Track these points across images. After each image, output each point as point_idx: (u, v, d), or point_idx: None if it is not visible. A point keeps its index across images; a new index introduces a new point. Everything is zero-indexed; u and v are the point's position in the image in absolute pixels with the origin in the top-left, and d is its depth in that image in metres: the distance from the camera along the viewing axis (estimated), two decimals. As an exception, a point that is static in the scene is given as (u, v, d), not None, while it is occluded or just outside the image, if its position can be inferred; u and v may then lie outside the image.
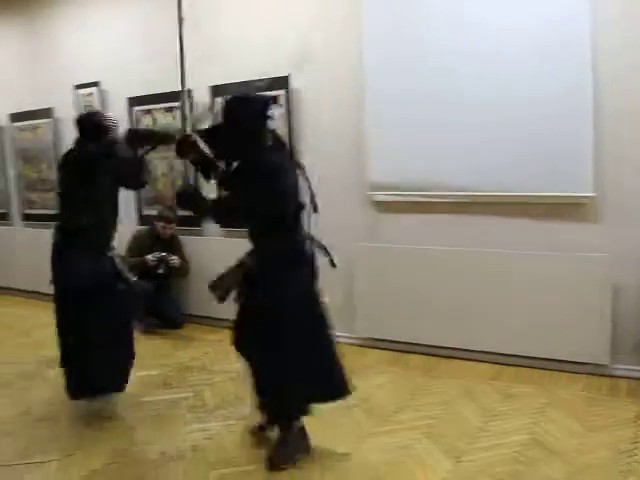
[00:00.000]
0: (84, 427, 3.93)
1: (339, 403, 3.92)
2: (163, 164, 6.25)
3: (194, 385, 4.57)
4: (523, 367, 4.53)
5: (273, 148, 3.31)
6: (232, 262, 3.34)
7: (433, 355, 4.85)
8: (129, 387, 4.32)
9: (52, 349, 4.04)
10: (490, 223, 4.67)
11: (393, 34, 4.80)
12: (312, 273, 3.43)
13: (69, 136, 7.00)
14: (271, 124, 3.34)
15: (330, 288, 5.34)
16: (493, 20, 4.43)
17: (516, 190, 4.47)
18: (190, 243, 6.08)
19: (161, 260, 5.84)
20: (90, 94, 6.69)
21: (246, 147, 3.24)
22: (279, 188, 3.16)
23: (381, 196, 5.03)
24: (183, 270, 6.02)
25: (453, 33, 4.56)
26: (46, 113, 7.18)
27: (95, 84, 6.64)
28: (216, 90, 5.74)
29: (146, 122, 6.30)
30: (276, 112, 3.39)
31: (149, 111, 6.26)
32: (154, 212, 6.21)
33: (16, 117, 7.57)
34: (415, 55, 4.71)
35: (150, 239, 5.95)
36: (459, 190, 4.66)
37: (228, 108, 3.34)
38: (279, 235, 3.28)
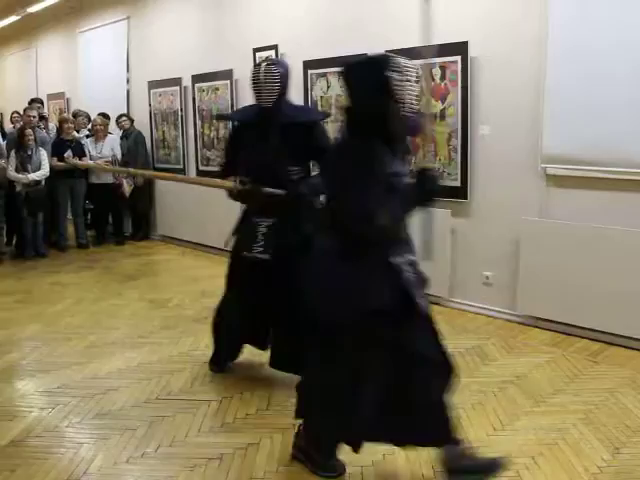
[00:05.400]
0: (245, 371, 4.09)
1: (495, 378, 3.87)
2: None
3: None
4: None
5: None
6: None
7: (597, 340, 4.53)
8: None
9: (216, 298, 4.12)
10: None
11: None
12: None
13: (247, 97, 7.29)
14: None
15: (495, 263, 5.26)
16: None
17: None
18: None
19: None
20: (268, 57, 6.85)
21: None
22: None
23: (555, 169, 4.75)
24: None
25: None
26: (226, 75, 7.48)
27: (273, 47, 6.81)
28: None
29: (320, 85, 6.38)
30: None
31: (324, 75, 6.34)
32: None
33: (198, 78, 7.94)
34: (605, 22, 4.38)
35: None
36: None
37: None
38: None
